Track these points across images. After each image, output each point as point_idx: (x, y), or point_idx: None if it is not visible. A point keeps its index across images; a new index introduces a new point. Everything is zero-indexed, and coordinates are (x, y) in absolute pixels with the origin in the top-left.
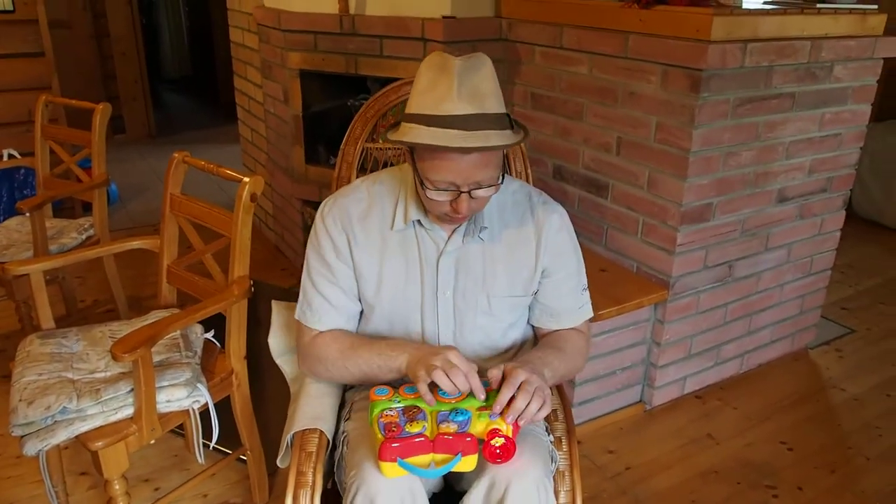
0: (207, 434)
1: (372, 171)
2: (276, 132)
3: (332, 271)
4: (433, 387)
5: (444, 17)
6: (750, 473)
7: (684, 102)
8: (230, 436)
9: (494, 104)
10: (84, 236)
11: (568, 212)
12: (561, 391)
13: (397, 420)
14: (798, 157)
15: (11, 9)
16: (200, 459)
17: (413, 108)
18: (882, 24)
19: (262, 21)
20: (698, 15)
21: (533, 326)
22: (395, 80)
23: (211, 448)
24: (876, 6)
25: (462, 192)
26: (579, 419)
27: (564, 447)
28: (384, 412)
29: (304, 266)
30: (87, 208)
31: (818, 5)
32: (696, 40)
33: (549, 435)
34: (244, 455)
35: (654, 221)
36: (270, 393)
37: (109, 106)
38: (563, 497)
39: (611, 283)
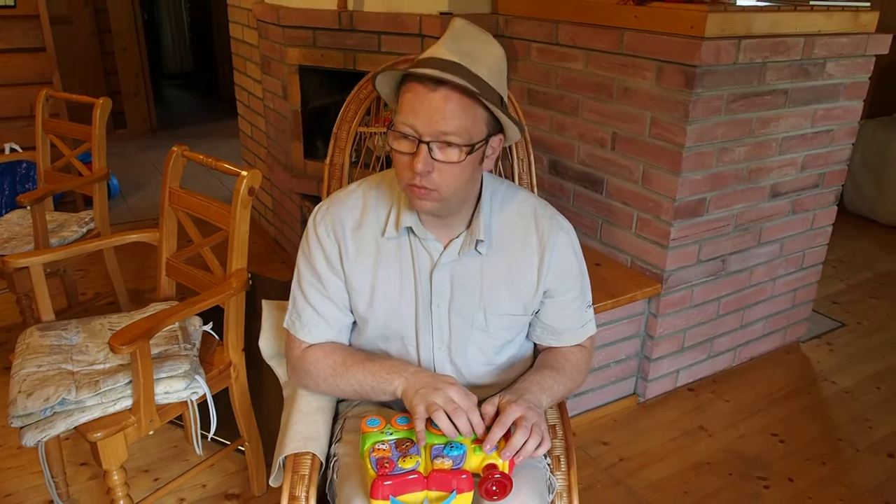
0: (206, 425)
1: (365, 158)
2: (275, 127)
3: (322, 282)
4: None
5: (441, 14)
6: (742, 465)
7: (678, 98)
8: (228, 427)
9: (485, 71)
10: (85, 230)
11: (563, 206)
12: (561, 406)
13: (390, 455)
14: (791, 153)
15: (13, 4)
16: (199, 450)
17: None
18: (874, 21)
19: (262, 17)
20: (692, 11)
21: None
22: None
23: (209, 439)
24: (868, 4)
25: (422, 143)
26: (574, 411)
27: (563, 466)
28: (376, 445)
29: (295, 273)
30: (88, 202)
31: (811, 2)
32: (691, 37)
33: (546, 457)
34: (242, 446)
35: (649, 216)
36: (268, 384)
37: (110, 100)
38: None
39: (605, 277)
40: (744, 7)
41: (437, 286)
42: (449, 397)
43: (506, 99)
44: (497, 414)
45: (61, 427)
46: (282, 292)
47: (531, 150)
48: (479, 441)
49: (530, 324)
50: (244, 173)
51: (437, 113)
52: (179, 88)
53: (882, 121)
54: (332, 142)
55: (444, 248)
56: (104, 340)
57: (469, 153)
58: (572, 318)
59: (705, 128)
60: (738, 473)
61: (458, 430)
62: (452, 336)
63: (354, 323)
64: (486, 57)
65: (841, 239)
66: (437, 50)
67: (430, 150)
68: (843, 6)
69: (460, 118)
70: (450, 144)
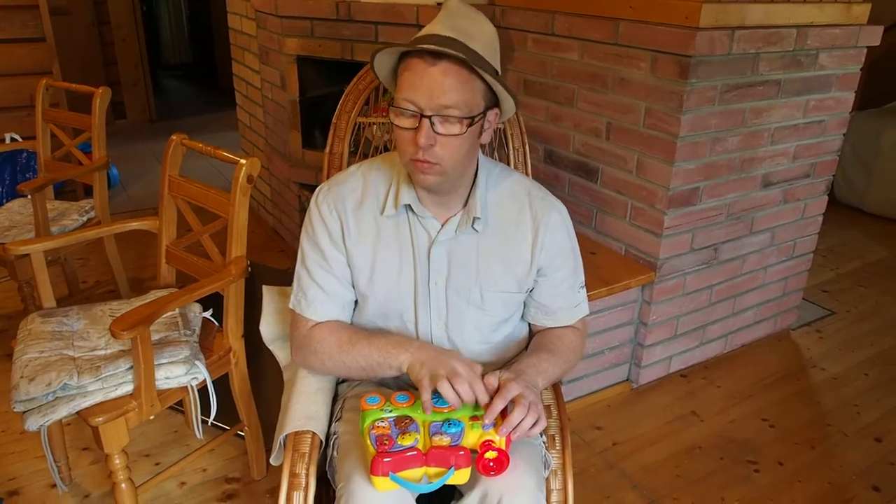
0: (206, 410)
1: (364, 148)
2: (273, 117)
3: (325, 258)
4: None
5: (438, 4)
6: (733, 449)
7: (673, 88)
8: (228, 412)
9: (479, 45)
10: (85, 218)
11: (559, 195)
12: (556, 387)
13: (389, 432)
14: (783, 143)
15: None
16: (199, 435)
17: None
18: (866, 13)
19: (260, 7)
20: (687, 2)
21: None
22: None
23: (209, 424)
24: None
25: (424, 117)
26: (569, 397)
27: (558, 445)
28: (375, 423)
29: (299, 254)
30: (88, 191)
31: None
32: (685, 27)
33: (542, 435)
34: (242, 431)
35: (643, 205)
36: (268, 370)
37: (109, 90)
38: (554, 496)
39: (600, 264)
40: None
41: (434, 263)
42: (453, 367)
43: (500, 73)
44: (498, 388)
45: (63, 411)
46: (281, 280)
47: (526, 140)
48: (476, 418)
49: (525, 304)
50: (243, 161)
51: (437, 87)
52: (178, 79)
53: (872, 112)
54: (331, 132)
55: (442, 226)
56: (105, 326)
57: (469, 125)
58: (565, 297)
59: (699, 118)
60: (729, 457)
61: (461, 398)
62: (450, 313)
63: (356, 301)
64: (479, 33)
65: (831, 229)
66: (434, 27)
67: (431, 123)
68: None
69: (460, 91)
70: (450, 118)
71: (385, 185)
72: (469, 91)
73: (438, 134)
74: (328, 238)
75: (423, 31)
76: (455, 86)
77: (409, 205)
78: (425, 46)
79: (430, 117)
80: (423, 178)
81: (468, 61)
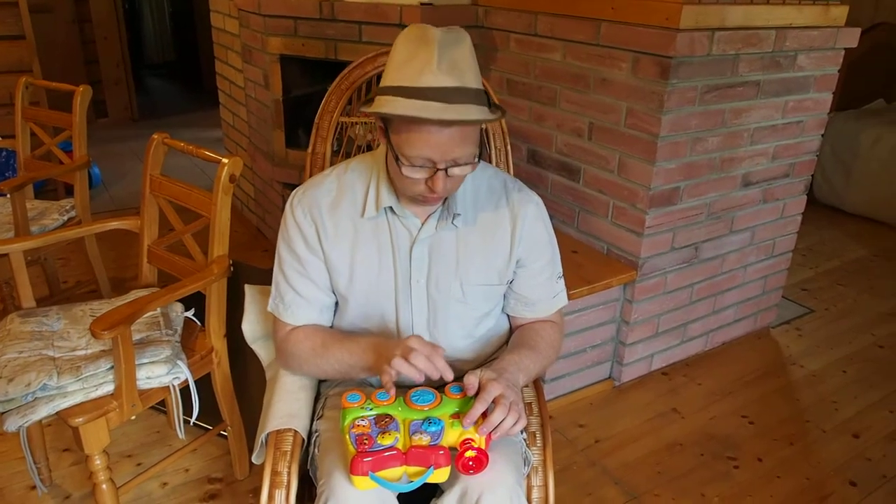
0: (188, 410)
1: (346, 147)
2: (256, 116)
3: (302, 264)
4: (404, 392)
5: (421, 4)
6: (713, 445)
7: (654, 89)
8: (211, 412)
9: (473, 79)
10: (66, 217)
11: (541, 195)
12: (537, 384)
13: (369, 431)
14: (762, 144)
15: None
16: (181, 435)
17: (390, 80)
18: (844, 15)
19: (243, 6)
20: (668, 3)
21: (508, 315)
22: None
23: (192, 424)
24: None
25: (439, 170)
26: (551, 395)
27: (539, 442)
28: (356, 422)
29: (276, 258)
30: (69, 191)
31: None
32: (666, 28)
33: (523, 433)
34: (225, 430)
35: (624, 204)
36: (252, 369)
37: (90, 88)
38: (536, 493)
39: (582, 263)
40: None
41: (415, 261)
42: (407, 345)
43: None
44: (479, 388)
45: (43, 412)
46: (264, 280)
47: (508, 141)
48: (457, 416)
49: (505, 295)
50: (225, 160)
51: (450, 144)
52: (161, 78)
53: (851, 114)
54: (314, 131)
55: (422, 224)
56: (86, 326)
57: (476, 159)
58: (543, 288)
59: (679, 118)
60: (710, 454)
61: (419, 370)
62: (432, 310)
63: (337, 303)
64: (467, 57)
65: (811, 228)
66: (429, 69)
67: (445, 171)
68: (813, 0)
69: (471, 140)
70: (464, 164)
71: (362, 186)
72: (476, 134)
73: (451, 177)
74: (304, 243)
75: (418, 75)
76: (467, 138)
77: (390, 206)
78: (443, 117)
79: (444, 169)
80: (427, 208)
81: (480, 122)
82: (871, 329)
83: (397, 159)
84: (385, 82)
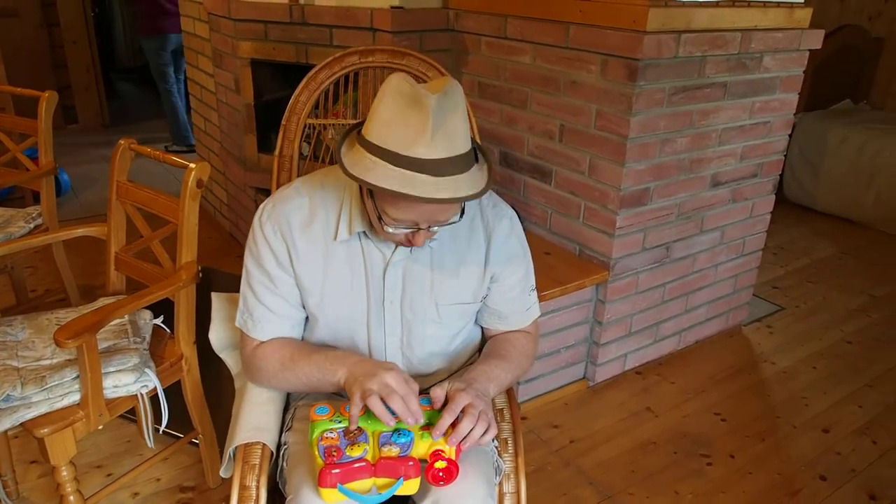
0: (158, 419)
1: (315, 148)
2: (228, 121)
3: (272, 280)
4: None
5: (392, 8)
6: (686, 443)
7: (622, 91)
8: (182, 420)
9: (464, 143)
10: (32, 225)
11: (514, 197)
12: (509, 391)
13: (338, 443)
14: (730, 144)
15: None
16: (150, 444)
17: (377, 136)
18: (808, 17)
19: (213, 10)
20: (634, 6)
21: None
22: None
23: (161, 432)
24: (802, 0)
25: (421, 229)
26: (526, 396)
27: (511, 448)
28: (324, 434)
29: (244, 272)
30: (37, 198)
31: None
32: (633, 31)
33: (494, 440)
34: (196, 438)
35: (595, 206)
36: (223, 376)
37: (55, 94)
38: (508, 500)
39: (554, 265)
40: (684, 2)
41: (389, 283)
42: (385, 382)
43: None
44: (447, 400)
45: (6, 423)
46: (236, 286)
47: (480, 143)
48: (426, 427)
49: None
50: (192, 165)
51: (437, 212)
52: (133, 83)
53: (819, 114)
54: (281, 133)
55: (396, 247)
56: (51, 336)
57: (460, 215)
58: (517, 302)
59: (648, 119)
60: (683, 451)
61: (393, 414)
62: (406, 331)
63: (307, 318)
64: (461, 121)
65: (781, 227)
66: (420, 139)
67: (428, 228)
68: (778, 2)
69: (457, 205)
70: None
71: (335, 208)
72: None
73: (433, 231)
74: (274, 261)
75: (410, 144)
76: (454, 205)
77: (364, 231)
78: (441, 197)
79: (428, 228)
80: (404, 250)
81: (470, 198)
82: (840, 325)
83: (380, 218)
84: (370, 136)
